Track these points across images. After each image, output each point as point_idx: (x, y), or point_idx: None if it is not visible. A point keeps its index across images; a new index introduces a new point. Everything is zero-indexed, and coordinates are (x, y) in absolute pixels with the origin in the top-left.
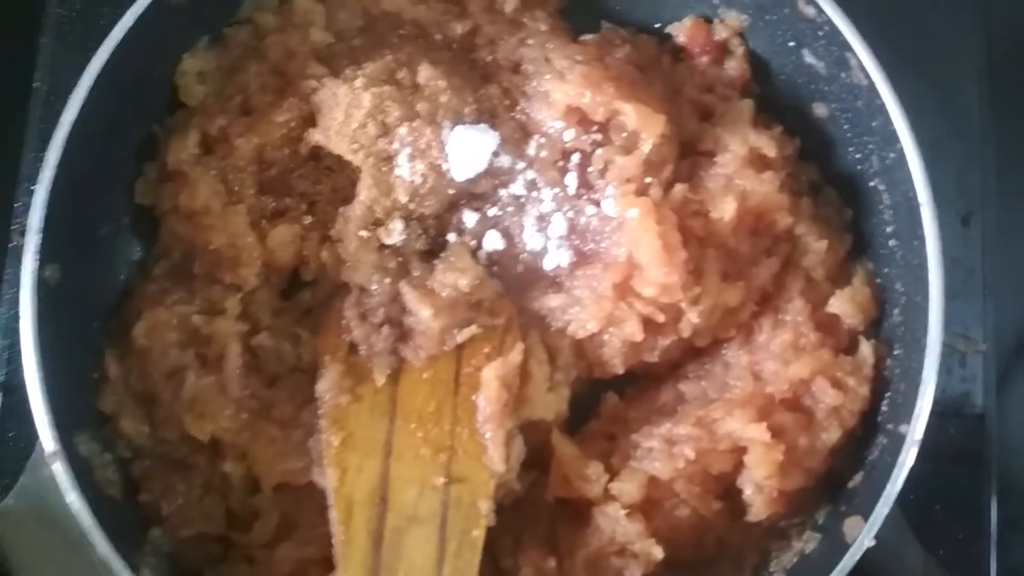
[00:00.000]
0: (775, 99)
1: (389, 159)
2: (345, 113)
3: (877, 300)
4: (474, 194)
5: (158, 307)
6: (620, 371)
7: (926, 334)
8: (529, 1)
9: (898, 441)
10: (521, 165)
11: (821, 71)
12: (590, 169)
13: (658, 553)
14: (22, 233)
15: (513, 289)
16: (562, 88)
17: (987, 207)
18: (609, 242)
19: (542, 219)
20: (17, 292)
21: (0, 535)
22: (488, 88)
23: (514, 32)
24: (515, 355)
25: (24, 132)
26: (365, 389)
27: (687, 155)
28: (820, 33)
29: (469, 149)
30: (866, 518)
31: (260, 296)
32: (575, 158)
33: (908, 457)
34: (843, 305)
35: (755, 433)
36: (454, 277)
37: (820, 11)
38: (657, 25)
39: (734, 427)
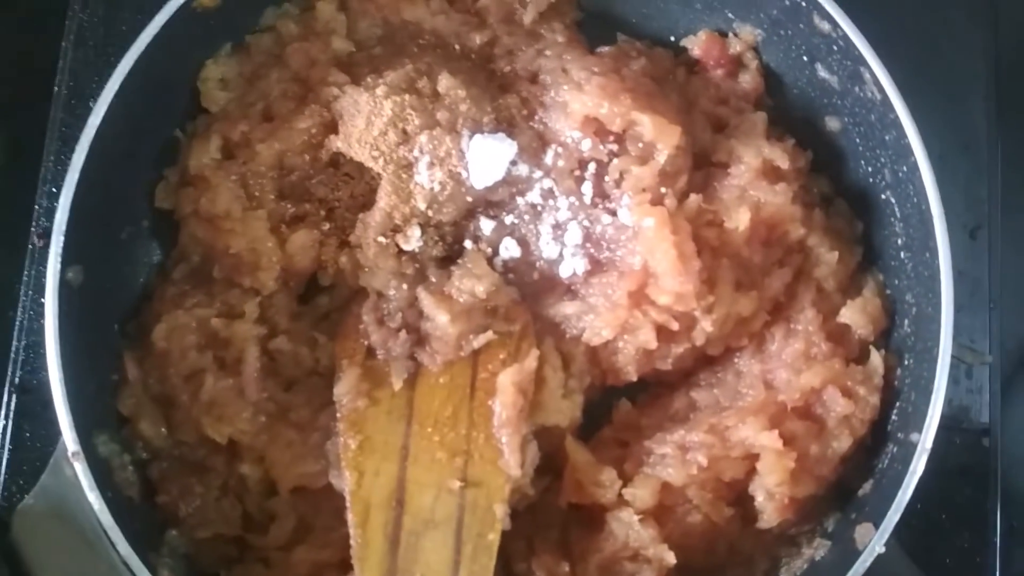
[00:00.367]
0: (788, 112)
1: (409, 166)
2: (366, 120)
3: (887, 311)
4: (491, 202)
5: (177, 310)
6: (633, 378)
7: (937, 344)
8: (547, 13)
9: (908, 449)
10: (538, 174)
11: (834, 85)
12: (606, 179)
13: (670, 558)
14: (40, 236)
15: (529, 296)
16: (580, 99)
17: (994, 220)
18: (624, 251)
19: (558, 227)
20: (33, 294)
21: (21, 533)
22: (506, 98)
23: (532, 43)
24: (530, 361)
25: (45, 136)
26: (382, 393)
27: (701, 166)
28: (834, 48)
29: (487, 158)
30: (877, 525)
31: (278, 300)
32: (591, 167)
33: (919, 465)
34: (854, 315)
35: (767, 441)
36: (471, 283)
37: (835, 26)
38: (672, 38)
39: (746, 435)
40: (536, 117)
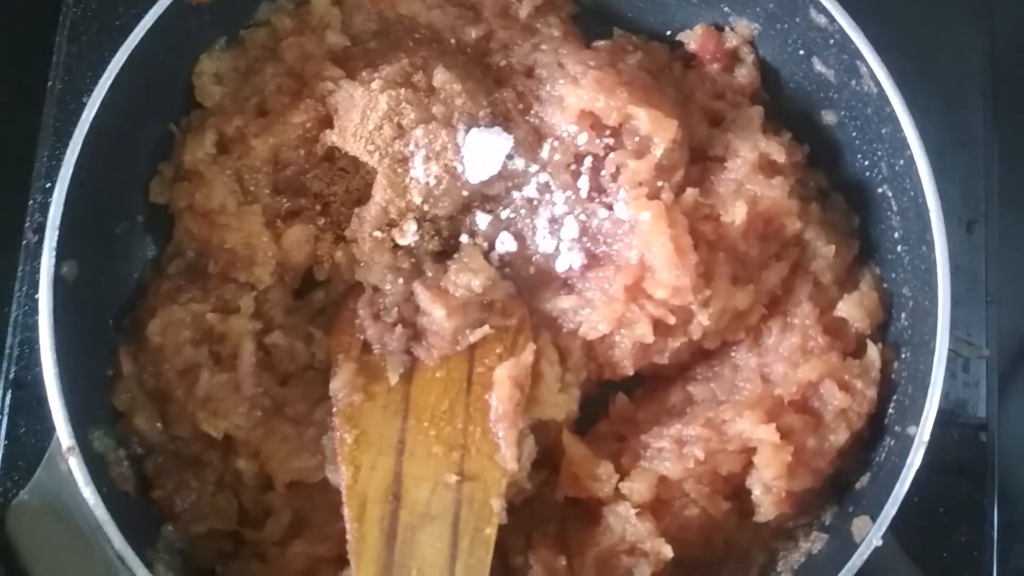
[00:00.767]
0: (784, 106)
1: (404, 161)
2: (362, 115)
3: (884, 304)
4: (487, 196)
5: (172, 305)
6: (630, 372)
7: (934, 338)
8: (542, 7)
9: (906, 443)
10: (534, 168)
11: (831, 79)
12: (602, 173)
13: (667, 552)
14: (34, 231)
15: (525, 290)
16: (576, 93)
17: (991, 214)
18: (621, 245)
19: (554, 221)
20: (28, 290)
21: (16, 529)
22: (502, 92)
23: (528, 37)
24: (527, 355)
25: (38, 131)
26: (378, 388)
27: (698, 160)
28: (831, 42)
29: (483, 152)
30: (874, 518)
31: (274, 295)
32: (588, 162)
33: (916, 458)
34: (851, 309)
35: (764, 434)
36: (467, 278)
37: (832, 20)
38: (668, 32)
39: (743, 428)
40: (532, 111)
